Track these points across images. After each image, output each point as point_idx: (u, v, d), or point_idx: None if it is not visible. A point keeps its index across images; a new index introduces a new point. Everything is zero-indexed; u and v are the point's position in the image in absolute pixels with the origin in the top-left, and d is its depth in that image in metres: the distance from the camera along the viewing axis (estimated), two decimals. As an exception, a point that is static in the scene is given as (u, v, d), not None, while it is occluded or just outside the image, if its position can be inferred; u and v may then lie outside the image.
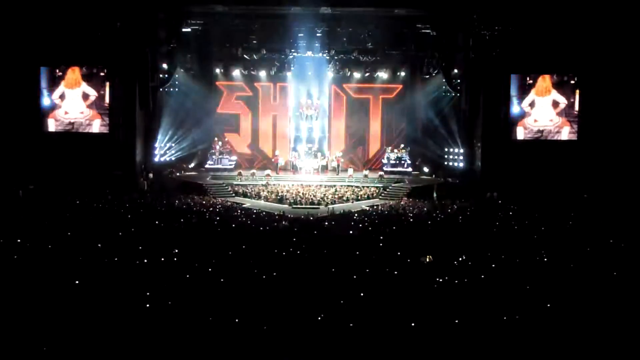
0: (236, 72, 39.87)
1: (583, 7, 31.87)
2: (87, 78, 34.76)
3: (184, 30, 33.54)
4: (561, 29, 33.02)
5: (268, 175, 36.46)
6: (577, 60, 34.22)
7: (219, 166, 38.46)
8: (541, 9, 32.08)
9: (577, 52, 33.76)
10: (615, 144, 33.81)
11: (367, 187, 34.73)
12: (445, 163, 38.72)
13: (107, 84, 34.79)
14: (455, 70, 36.94)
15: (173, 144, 38.87)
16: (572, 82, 35.06)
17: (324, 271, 14.64)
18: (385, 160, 39.31)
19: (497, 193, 32.43)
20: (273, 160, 38.67)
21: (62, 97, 34.77)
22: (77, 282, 12.90)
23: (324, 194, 32.83)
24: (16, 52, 33.28)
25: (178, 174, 37.37)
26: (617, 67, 33.34)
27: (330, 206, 30.84)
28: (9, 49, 32.99)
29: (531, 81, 35.13)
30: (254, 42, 34.50)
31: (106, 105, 34.87)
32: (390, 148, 39.70)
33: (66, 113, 34.82)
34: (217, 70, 40.02)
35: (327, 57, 37.41)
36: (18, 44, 33.02)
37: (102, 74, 34.77)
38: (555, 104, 35.08)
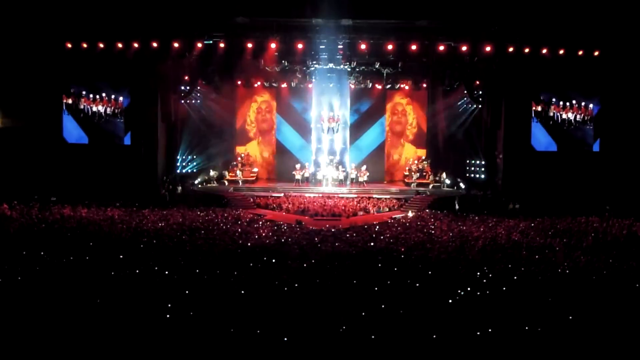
0: (257, 84, 40.03)
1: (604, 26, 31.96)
2: (111, 90, 35.01)
3: (205, 42, 33.61)
4: (584, 43, 33.05)
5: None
6: (599, 75, 34.16)
7: (241, 178, 38.55)
8: (564, 22, 32.04)
9: (600, 69, 33.75)
10: (638, 155, 33.63)
11: (389, 198, 34.67)
12: (467, 174, 38.64)
13: (130, 96, 35.00)
14: (477, 82, 36.85)
15: (195, 156, 39.05)
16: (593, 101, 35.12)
17: (345, 283, 14.61)
18: (406, 172, 39.28)
19: (519, 204, 32.31)
20: (293, 172, 38.65)
21: (84, 108, 35.03)
22: (98, 295, 12.93)
23: (345, 206, 32.79)
24: (39, 64, 33.62)
25: (200, 185, 37.47)
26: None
27: (352, 217, 30.82)
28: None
29: (554, 99, 35.11)
30: (275, 54, 34.53)
31: (129, 117, 35.09)
32: (411, 159, 39.67)
33: (88, 124, 35.05)
34: (239, 82, 40.20)
35: (349, 69, 37.40)
36: (41, 51, 33.34)
37: (125, 86, 34.99)
38: (577, 114, 35.02)
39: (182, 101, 37.93)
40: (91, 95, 35.04)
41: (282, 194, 35.09)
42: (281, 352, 10.53)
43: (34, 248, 17.76)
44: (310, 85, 39.96)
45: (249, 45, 33.48)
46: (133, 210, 29.16)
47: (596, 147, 35.11)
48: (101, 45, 33.01)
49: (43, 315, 11.68)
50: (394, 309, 12.39)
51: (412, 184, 38.05)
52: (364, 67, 37.24)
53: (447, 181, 38.11)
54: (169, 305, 12.24)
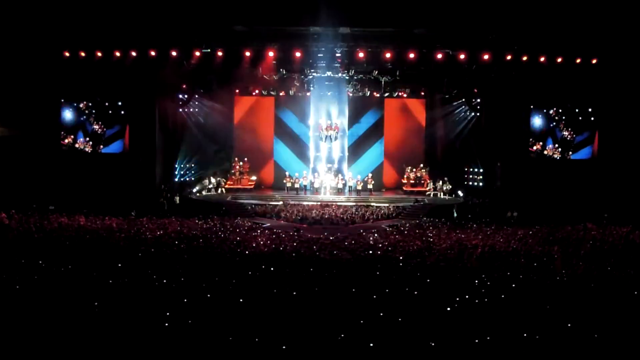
0: (255, 92, 40.07)
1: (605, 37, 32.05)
2: (109, 98, 35.06)
3: (203, 51, 33.63)
4: (581, 52, 33.11)
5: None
6: (597, 83, 34.25)
7: (239, 186, 38.54)
8: (562, 30, 32.10)
9: (598, 77, 33.81)
10: (636, 162, 33.65)
11: (387, 206, 34.66)
12: (465, 182, 38.65)
13: (128, 104, 35.05)
14: (475, 90, 36.91)
15: (193, 164, 39.02)
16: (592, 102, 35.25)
17: (343, 291, 14.60)
18: (404, 180, 39.26)
19: (517, 212, 32.32)
20: (284, 181, 38.64)
21: (82, 116, 35.08)
22: (96, 302, 12.91)
23: (344, 214, 32.77)
24: (37, 72, 33.60)
25: (198, 193, 37.43)
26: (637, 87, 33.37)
27: (350, 225, 30.82)
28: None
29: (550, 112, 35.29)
30: (274, 62, 34.58)
31: (127, 125, 35.14)
32: (410, 167, 39.65)
33: (86, 133, 35.09)
34: (237, 91, 40.24)
35: (347, 77, 37.43)
36: (38, 59, 33.32)
37: (123, 94, 35.04)
38: (574, 120, 35.19)
39: (180, 109, 37.96)
40: (89, 104, 35.08)
41: (280, 202, 35.07)
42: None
43: (32, 257, 17.73)
44: (308, 94, 39.98)
45: (247, 53, 33.52)
46: (131, 218, 29.15)
47: (594, 155, 35.17)
48: (99, 54, 33.02)
49: (41, 323, 11.65)
50: (392, 317, 12.37)
51: (410, 192, 38.05)
52: (362, 75, 37.38)
53: (446, 189, 38.08)
54: (167, 313, 12.22)
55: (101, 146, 35.31)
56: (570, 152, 35.28)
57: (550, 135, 35.36)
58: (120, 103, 35.32)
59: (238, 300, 13.49)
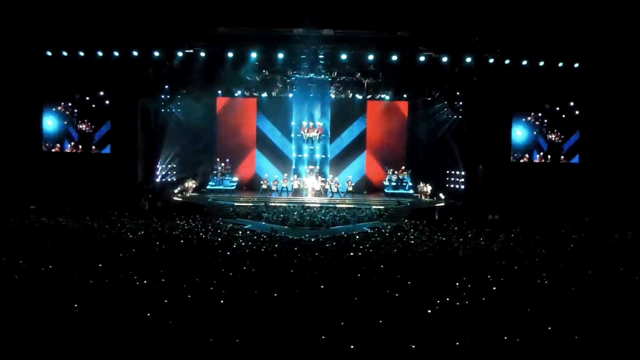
0: (238, 93, 39.98)
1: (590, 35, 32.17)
2: (91, 98, 34.91)
3: (186, 51, 33.54)
4: (564, 55, 33.24)
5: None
6: (579, 88, 34.44)
7: (221, 187, 38.41)
8: (545, 33, 32.22)
9: (580, 81, 33.97)
10: (617, 167, 33.85)
11: (369, 208, 34.64)
12: (447, 185, 38.72)
13: (110, 104, 34.92)
14: (458, 93, 36.99)
15: (175, 165, 38.88)
16: (574, 107, 35.43)
17: (324, 292, 14.60)
18: (386, 182, 39.26)
19: (498, 215, 32.41)
20: (261, 183, 38.59)
21: (65, 120, 34.93)
22: (77, 303, 12.85)
23: (325, 216, 32.74)
24: (17, 68, 33.43)
25: (180, 194, 37.30)
26: (620, 90, 33.52)
27: (332, 227, 30.80)
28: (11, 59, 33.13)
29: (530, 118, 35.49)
30: (256, 63, 34.53)
31: (108, 126, 34.99)
32: (391, 170, 39.64)
33: (67, 133, 34.92)
34: (219, 92, 40.15)
35: (330, 79, 37.43)
36: (19, 57, 33.14)
37: (104, 94, 34.90)
38: (555, 123, 35.36)
39: (163, 110, 37.82)
40: (70, 104, 34.94)
41: (262, 204, 34.99)
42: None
43: (12, 256, 17.63)
44: (290, 95, 39.98)
45: (230, 54, 33.45)
46: (112, 219, 29.02)
47: (576, 160, 35.38)
48: (81, 54, 32.90)
49: (21, 323, 11.59)
50: (373, 319, 12.38)
51: (391, 195, 38.06)
52: (344, 77, 37.32)
53: (427, 191, 38.11)
54: (148, 314, 12.18)
55: (93, 147, 35.18)
56: (562, 157, 35.40)
57: (535, 146, 35.48)
58: (102, 103, 35.08)
59: (219, 301, 13.47)
